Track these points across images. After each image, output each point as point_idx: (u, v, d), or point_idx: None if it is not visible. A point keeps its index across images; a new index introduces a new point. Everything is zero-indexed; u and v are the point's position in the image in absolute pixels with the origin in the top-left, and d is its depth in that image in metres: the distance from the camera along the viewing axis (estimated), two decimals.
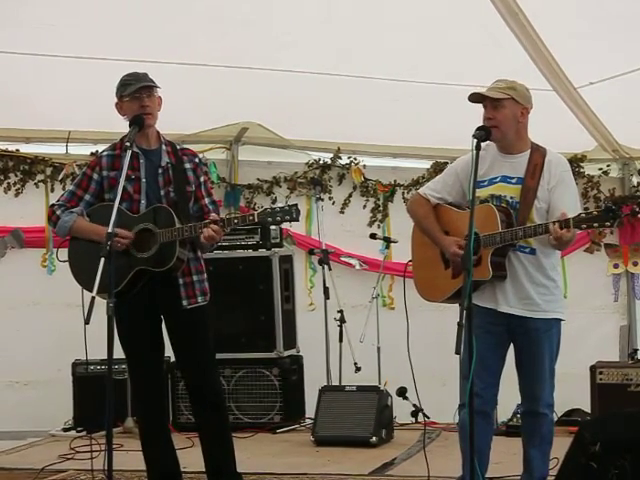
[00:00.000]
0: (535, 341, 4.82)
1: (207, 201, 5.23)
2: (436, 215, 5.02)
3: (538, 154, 4.84)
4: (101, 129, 7.65)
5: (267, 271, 7.65)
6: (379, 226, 8.52)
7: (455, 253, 4.81)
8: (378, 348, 7.71)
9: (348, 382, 7.40)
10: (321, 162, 8.64)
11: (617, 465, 4.13)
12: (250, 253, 7.79)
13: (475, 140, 4.54)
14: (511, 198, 4.81)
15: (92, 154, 7.66)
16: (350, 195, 8.60)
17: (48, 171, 8.18)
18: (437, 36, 6.51)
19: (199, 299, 5.16)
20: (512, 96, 4.77)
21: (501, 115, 4.76)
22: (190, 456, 5.78)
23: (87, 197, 5.17)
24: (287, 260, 7.86)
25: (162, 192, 5.12)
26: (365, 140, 8.43)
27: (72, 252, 5.22)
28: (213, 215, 5.05)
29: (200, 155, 5.63)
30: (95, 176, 5.17)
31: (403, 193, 8.52)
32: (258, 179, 8.65)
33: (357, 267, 8.33)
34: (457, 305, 4.56)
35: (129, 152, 4.88)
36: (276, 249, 7.73)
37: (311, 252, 8.20)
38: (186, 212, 5.10)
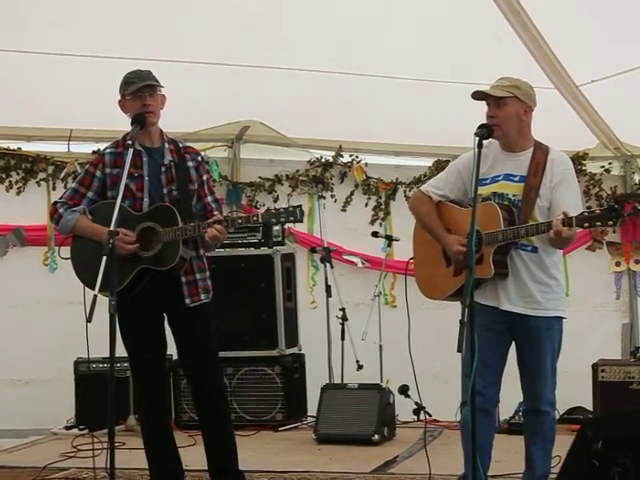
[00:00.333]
0: (537, 339, 4.82)
1: (210, 199, 5.24)
2: (438, 213, 5.01)
3: (541, 152, 4.84)
4: (103, 127, 7.66)
5: (269, 269, 7.65)
6: (381, 224, 8.51)
7: (457, 251, 4.81)
8: (380, 346, 7.70)
9: (350, 380, 7.40)
10: (323, 160, 8.63)
11: (619, 463, 4.13)
12: (252, 251, 7.78)
13: (477, 138, 4.54)
14: (513, 196, 4.80)
15: (94, 152, 7.66)
16: (352, 193, 8.59)
17: (50, 169, 8.18)
18: (439, 34, 6.50)
19: (202, 297, 5.16)
20: (515, 94, 4.76)
21: (504, 113, 4.76)
22: (192, 454, 5.78)
23: (90, 194, 5.18)
24: (289, 258, 7.86)
25: (165, 190, 5.13)
26: (367, 138, 8.43)
27: (74, 249, 5.22)
28: (217, 215, 5.06)
29: (202, 153, 5.63)
30: (98, 173, 5.17)
31: (405, 191, 8.51)
32: (260, 177, 8.65)
33: (359, 265, 8.33)
34: (459, 303, 4.58)
35: (131, 150, 4.88)
36: (278, 247, 7.73)
37: (313, 250, 8.20)
38: (189, 210, 5.11)
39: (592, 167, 8.33)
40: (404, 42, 6.59)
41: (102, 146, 5.67)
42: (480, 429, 4.33)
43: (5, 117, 7.65)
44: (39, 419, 7.69)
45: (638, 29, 6.16)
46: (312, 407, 7.43)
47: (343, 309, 7.70)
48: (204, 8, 6.29)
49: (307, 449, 6.82)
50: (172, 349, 5.34)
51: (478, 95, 4.80)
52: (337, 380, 7.61)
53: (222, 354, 5.44)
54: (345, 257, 8.38)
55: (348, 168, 8.59)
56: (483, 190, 4.78)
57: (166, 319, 5.24)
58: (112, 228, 4.64)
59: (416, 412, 6.74)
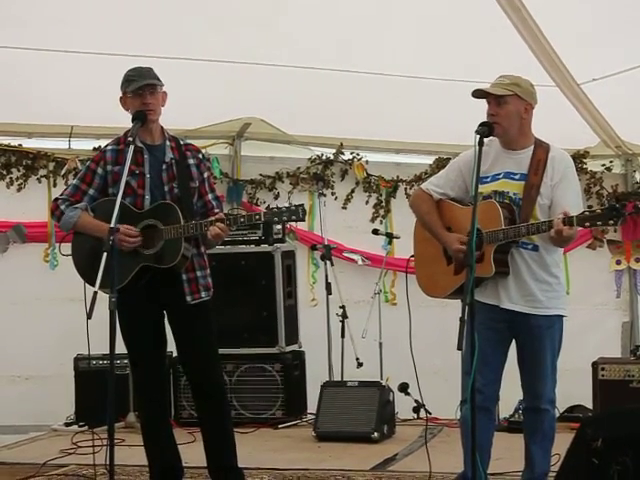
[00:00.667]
0: (537, 337, 4.82)
1: (211, 197, 5.24)
2: (439, 211, 5.01)
3: (541, 150, 4.83)
4: (104, 124, 7.64)
5: (269, 267, 7.65)
6: (381, 222, 8.51)
7: (458, 249, 4.81)
8: (380, 344, 7.71)
9: (350, 378, 7.40)
10: (324, 158, 8.62)
11: (619, 461, 4.13)
12: (252, 248, 7.78)
13: (478, 136, 4.54)
14: (514, 194, 4.80)
15: (95, 149, 7.67)
16: (353, 191, 8.58)
17: (50, 166, 8.17)
18: (439, 32, 6.49)
19: (203, 294, 5.16)
20: (516, 92, 4.76)
21: (504, 111, 4.75)
22: (192, 451, 5.78)
23: (91, 191, 5.18)
24: (289, 256, 7.86)
25: (166, 188, 5.13)
26: (368, 136, 8.42)
27: (75, 246, 5.22)
28: (219, 212, 5.06)
29: (203, 150, 5.63)
30: (99, 170, 5.17)
31: (406, 189, 8.50)
32: (261, 174, 8.64)
33: (359, 263, 8.33)
34: (459, 301, 4.58)
35: (132, 147, 4.88)
36: (278, 245, 7.73)
37: (313, 248, 8.20)
38: (190, 208, 5.11)
39: (593, 165, 8.32)
40: (405, 40, 6.58)
41: (103, 143, 5.68)
42: (480, 427, 4.33)
43: (6, 113, 7.64)
44: (39, 415, 7.70)
45: None
46: (312, 404, 7.44)
47: (343, 307, 7.70)
48: (205, 5, 6.29)
49: (307, 446, 6.83)
50: (172, 346, 5.34)
51: (478, 93, 4.79)
52: (337, 378, 7.62)
53: (222, 351, 5.44)
54: (345, 255, 8.37)
55: (349, 166, 8.59)
56: (484, 188, 4.77)
57: (166, 316, 5.24)
58: (112, 225, 4.64)
59: (416, 410, 6.74)
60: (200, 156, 5.29)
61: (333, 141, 8.58)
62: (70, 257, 5.23)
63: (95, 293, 4.45)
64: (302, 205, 4.97)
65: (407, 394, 6.73)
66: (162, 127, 5.22)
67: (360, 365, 7.58)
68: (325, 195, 8.20)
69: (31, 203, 8.09)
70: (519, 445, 5.06)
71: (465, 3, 6.15)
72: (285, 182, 8.62)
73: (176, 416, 7.42)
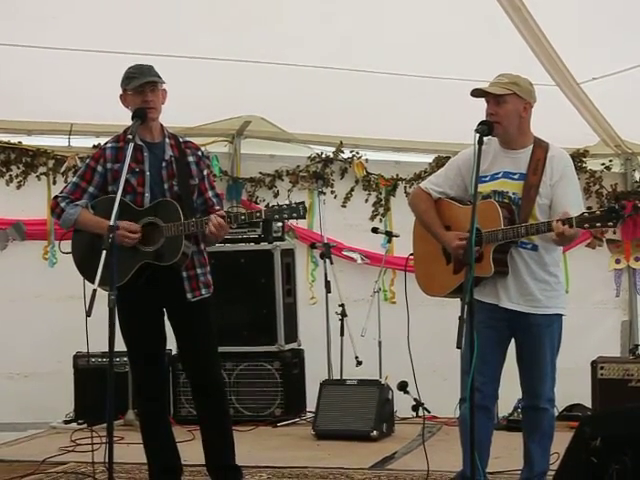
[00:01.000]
0: (536, 336, 4.83)
1: (210, 194, 5.24)
2: (438, 209, 5.01)
3: (540, 149, 4.83)
4: (103, 122, 7.65)
5: (269, 265, 7.65)
6: (381, 220, 8.51)
7: (457, 246, 4.80)
8: (379, 342, 7.71)
9: (349, 376, 7.40)
10: (323, 156, 8.63)
11: (618, 460, 4.13)
12: (252, 246, 7.79)
13: (477, 135, 4.54)
14: (513, 194, 4.80)
15: (94, 146, 7.66)
16: (352, 189, 8.59)
17: (50, 163, 8.17)
18: (439, 31, 6.49)
19: (203, 291, 5.16)
20: (515, 91, 4.76)
21: (503, 110, 4.75)
22: (191, 449, 5.78)
23: (91, 189, 5.17)
24: (289, 254, 7.86)
25: (166, 185, 5.12)
26: (367, 134, 8.43)
27: (75, 244, 5.22)
28: (219, 210, 5.06)
29: (203, 148, 5.63)
30: (99, 168, 5.17)
31: (405, 187, 8.51)
32: (260, 172, 8.65)
33: (359, 261, 8.33)
34: (458, 300, 4.58)
35: (131, 145, 4.88)
36: (278, 243, 7.74)
37: (313, 246, 8.21)
38: (190, 205, 5.11)
39: (592, 164, 8.32)
40: (404, 38, 6.58)
41: (103, 140, 5.66)
42: (479, 426, 4.33)
43: (5, 111, 7.64)
44: (38, 413, 7.70)
45: None
46: (311, 403, 7.44)
47: (342, 305, 7.70)
48: (205, 3, 6.28)
49: (306, 445, 6.83)
50: (171, 344, 5.34)
51: (477, 92, 4.79)
52: (336, 376, 7.62)
53: (221, 349, 5.44)
54: (345, 253, 8.37)
55: (348, 164, 8.59)
56: (483, 188, 4.77)
57: (166, 314, 5.24)
58: (112, 223, 4.63)
59: (415, 408, 6.75)
60: (199, 153, 5.29)
61: (333, 139, 8.58)
62: (69, 255, 5.23)
63: (94, 291, 4.44)
64: (303, 203, 4.97)
65: (406, 393, 6.75)
66: (162, 125, 5.22)
67: (359, 363, 7.58)
68: (325, 193, 8.20)
69: (31, 201, 8.09)
70: (518, 444, 5.07)
71: (465, 3, 6.15)
72: (285, 180, 8.62)
73: (175, 414, 7.42)
